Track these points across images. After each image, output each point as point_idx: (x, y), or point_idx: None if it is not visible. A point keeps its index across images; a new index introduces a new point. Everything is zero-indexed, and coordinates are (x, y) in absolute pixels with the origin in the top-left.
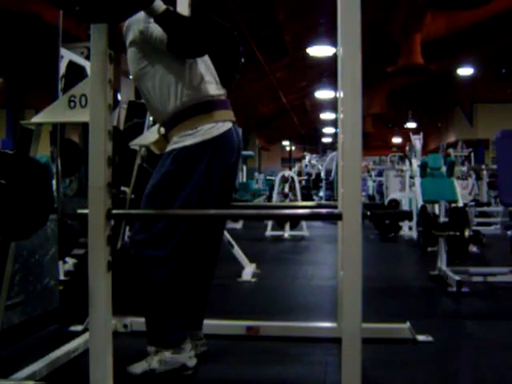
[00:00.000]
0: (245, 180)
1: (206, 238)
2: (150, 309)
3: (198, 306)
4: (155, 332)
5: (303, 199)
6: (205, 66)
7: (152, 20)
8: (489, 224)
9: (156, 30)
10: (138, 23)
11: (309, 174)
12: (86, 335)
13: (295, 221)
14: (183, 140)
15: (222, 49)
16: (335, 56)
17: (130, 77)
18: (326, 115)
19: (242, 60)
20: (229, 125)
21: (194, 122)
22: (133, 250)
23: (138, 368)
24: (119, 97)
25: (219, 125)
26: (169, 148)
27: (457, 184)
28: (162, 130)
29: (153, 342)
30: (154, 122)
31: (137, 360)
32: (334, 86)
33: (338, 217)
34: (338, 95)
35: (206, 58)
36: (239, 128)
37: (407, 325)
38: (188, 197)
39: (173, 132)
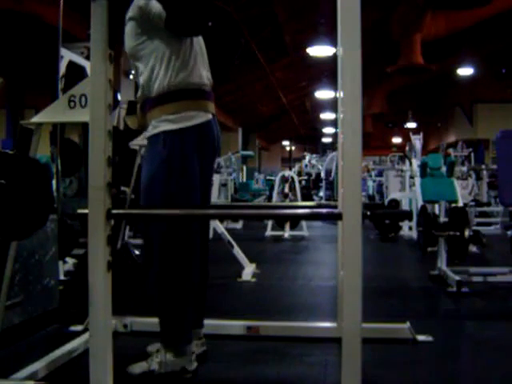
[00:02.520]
0: (245, 180)
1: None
2: (165, 306)
3: (198, 303)
4: (168, 331)
5: (303, 199)
6: (200, 53)
7: None
8: (489, 224)
9: (155, 6)
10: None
11: (309, 174)
12: (86, 335)
13: (295, 221)
14: (165, 124)
15: (219, 31)
16: (335, 56)
17: (131, 76)
18: (326, 115)
19: (240, 48)
20: (209, 116)
21: (177, 107)
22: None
23: (138, 368)
24: (119, 97)
25: (201, 114)
26: (152, 132)
27: (457, 184)
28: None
29: (164, 341)
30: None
31: (137, 360)
32: (334, 86)
33: (338, 217)
34: (337, 95)
35: (202, 45)
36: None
37: (407, 325)
38: (179, 185)
39: (153, 112)
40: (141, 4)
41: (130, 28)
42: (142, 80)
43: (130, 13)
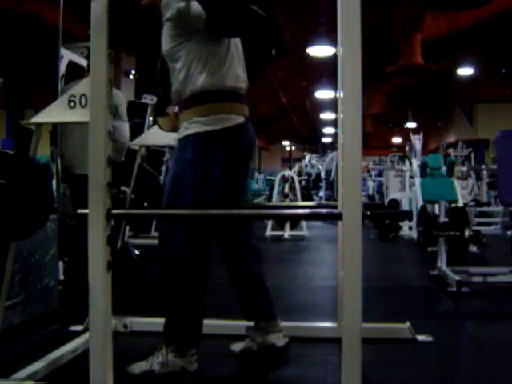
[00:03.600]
0: None
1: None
2: (174, 305)
3: (260, 295)
4: (173, 330)
5: (303, 199)
6: (237, 55)
7: None
8: (489, 224)
9: (194, 7)
10: (176, 0)
11: (309, 174)
12: (86, 335)
13: (295, 221)
14: (196, 126)
15: (255, 35)
16: (335, 56)
17: (131, 76)
18: (326, 115)
19: (274, 52)
20: (242, 119)
21: (208, 109)
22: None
23: (138, 368)
24: None
25: (232, 117)
26: (182, 134)
27: (457, 184)
28: (172, 108)
29: (168, 340)
30: (154, 123)
31: (137, 360)
32: (334, 86)
33: (338, 217)
34: (337, 95)
35: (240, 47)
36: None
37: (407, 325)
38: (200, 187)
39: (185, 114)
40: (179, 5)
41: (167, 29)
42: (177, 81)
43: (168, 14)
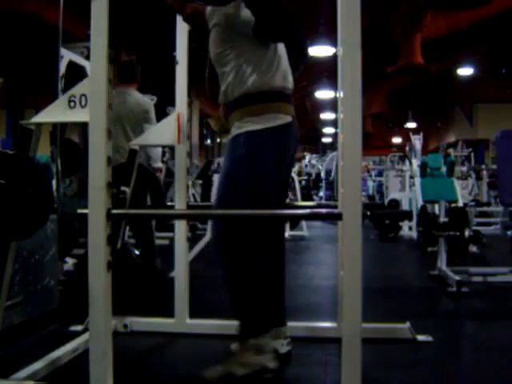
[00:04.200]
0: None
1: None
2: (237, 303)
3: (276, 302)
4: (245, 328)
5: (303, 199)
6: (283, 57)
7: (237, 4)
8: (489, 224)
9: (243, 12)
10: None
11: (309, 174)
12: (86, 335)
13: (295, 221)
14: (248, 125)
15: (295, 39)
16: (335, 56)
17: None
18: (326, 115)
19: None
20: (290, 118)
21: (259, 109)
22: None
23: (215, 373)
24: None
25: (281, 116)
26: (234, 133)
27: (457, 184)
28: (220, 109)
29: (246, 335)
30: None
31: (137, 360)
32: (334, 85)
33: (338, 217)
34: (338, 95)
35: (283, 47)
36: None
37: (407, 325)
38: (256, 184)
39: (236, 114)
40: (227, 11)
41: (214, 35)
42: (225, 83)
43: (215, 19)
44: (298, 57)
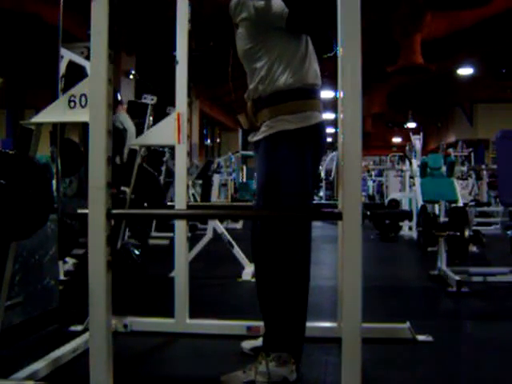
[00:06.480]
0: (245, 180)
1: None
2: (278, 310)
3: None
4: (277, 335)
5: None
6: (313, 52)
7: None
8: (489, 224)
9: (274, 5)
10: (253, 0)
11: None
12: (86, 335)
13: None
14: (283, 124)
15: (325, 34)
16: (335, 56)
17: (131, 76)
18: (326, 115)
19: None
20: (322, 116)
21: (293, 107)
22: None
23: (236, 379)
24: (119, 97)
25: (315, 114)
26: (267, 132)
27: (457, 184)
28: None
29: (271, 347)
30: (154, 123)
31: (137, 360)
32: (334, 86)
33: (338, 217)
34: (338, 95)
35: (311, 43)
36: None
37: (407, 325)
38: (301, 183)
39: (267, 112)
40: (257, 5)
41: (244, 29)
42: (256, 79)
43: (245, 14)
44: (325, 49)
